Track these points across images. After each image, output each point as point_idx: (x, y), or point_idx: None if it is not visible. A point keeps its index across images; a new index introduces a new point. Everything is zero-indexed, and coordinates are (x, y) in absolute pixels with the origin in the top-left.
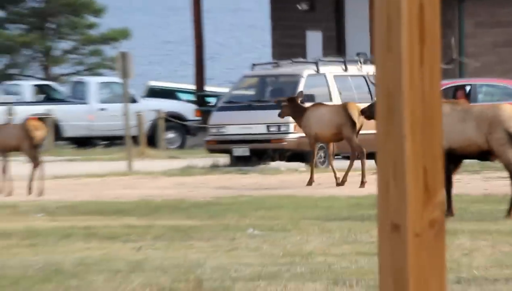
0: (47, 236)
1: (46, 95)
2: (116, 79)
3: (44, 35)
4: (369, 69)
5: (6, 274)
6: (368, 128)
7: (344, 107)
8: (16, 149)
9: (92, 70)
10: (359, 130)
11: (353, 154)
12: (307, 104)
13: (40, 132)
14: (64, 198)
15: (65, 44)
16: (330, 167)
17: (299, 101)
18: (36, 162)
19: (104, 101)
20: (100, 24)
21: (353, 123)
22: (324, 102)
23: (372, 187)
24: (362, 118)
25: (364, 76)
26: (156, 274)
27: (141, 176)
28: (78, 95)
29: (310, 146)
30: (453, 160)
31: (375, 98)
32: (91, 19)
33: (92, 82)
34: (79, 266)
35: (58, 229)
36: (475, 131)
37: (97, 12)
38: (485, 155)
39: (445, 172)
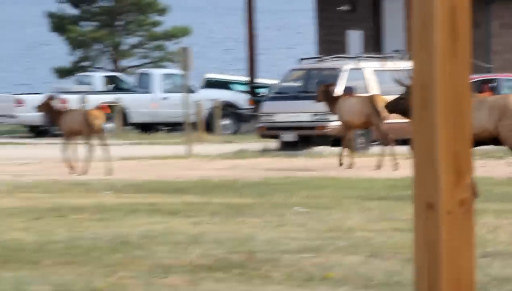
0: (115, 211)
1: (115, 85)
2: (177, 71)
3: (113, 32)
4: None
5: (79, 245)
6: (395, 117)
7: (370, 99)
8: (79, 134)
9: (156, 63)
10: (385, 119)
11: (383, 141)
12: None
13: (98, 120)
14: (130, 177)
15: (132, 40)
16: (345, 152)
17: (332, 91)
18: (91, 146)
19: (166, 91)
20: (164, 22)
21: (378, 113)
22: (354, 94)
23: (406, 170)
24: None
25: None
26: (212, 246)
27: (199, 158)
28: (143, 86)
29: (341, 132)
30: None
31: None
32: (156, 17)
33: (156, 74)
34: (144, 238)
35: (125, 205)
36: (487, 119)
37: (161, 11)
38: (495, 141)
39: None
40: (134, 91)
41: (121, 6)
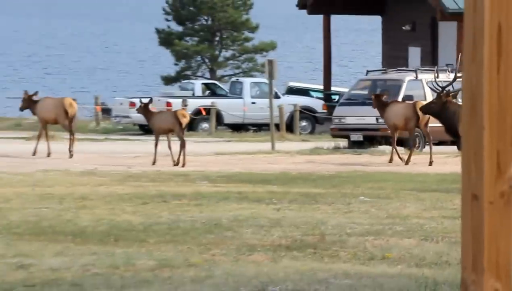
0: (209, 198)
1: (212, 91)
2: (264, 80)
3: (211, 46)
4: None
5: (179, 226)
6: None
7: (413, 105)
8: (170, 131)
9: (246, 73)
10: (426, 123)
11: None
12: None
13: (186, 119)
14: (222, 169)
15: (227, 53)
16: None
17: (383, 98)
18: (182, 141)
19: (254, 96)
20: (254, 38)
21: (418, 118)
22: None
23: (454, 166)
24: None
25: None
26: (290, 229)
27: (281, 154)
28: (235, 92)
29: (391, 133)
30: None
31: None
32: (247, 34)
33: (246, 82)
34: (233, 222)
35: (217, 193)
36: None
37: (252, 29)
38: None
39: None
40: (228, 96)
41: (219, 24)
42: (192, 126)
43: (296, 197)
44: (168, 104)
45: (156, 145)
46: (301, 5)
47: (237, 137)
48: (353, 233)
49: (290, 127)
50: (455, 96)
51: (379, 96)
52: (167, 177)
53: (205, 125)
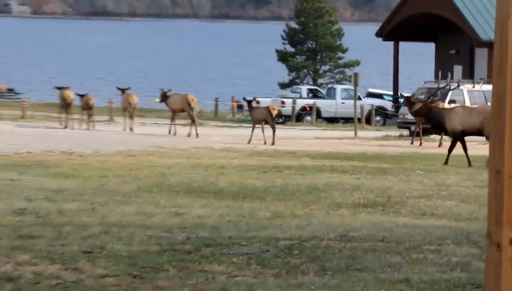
0: (310, 169)
1: (314, 94)
2: (351, 87)
3: (314, 62)
4: (486, 88)
5: (288, 189)
6: None
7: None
8: (265, 121)
9: (338, 81)
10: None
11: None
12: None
13: (275, 111)
14: (319, 149)
15: (325, 67)
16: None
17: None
18: (274, 129)
19: (344, 98)
20: (344, 57)
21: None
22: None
23: (481, 151)
24: None
25: (483, 91)
26: (366, 192)
27: (361, 139)
28: (330, 95)
29: (417, 126)
30: (464, 135)
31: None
32: (340, 54)
33: (338, 88)
34: (326, 186)
35: (316, 166)
36: (475, 120)
37: (343, 50)
38: (480, 134)
39: (460, 141)
40: (325, 98)
41: (320, 47)
42: (299, 118)
43: (371, 169)
44: (283, 102)
45: (253, 130)
46: (378, 35)
47: (330, 127)
48: (411, 196)
49: (368, 121)
50: (436, 102)
51: (409, 98)
52: (281, 154)
53: (308, 118)
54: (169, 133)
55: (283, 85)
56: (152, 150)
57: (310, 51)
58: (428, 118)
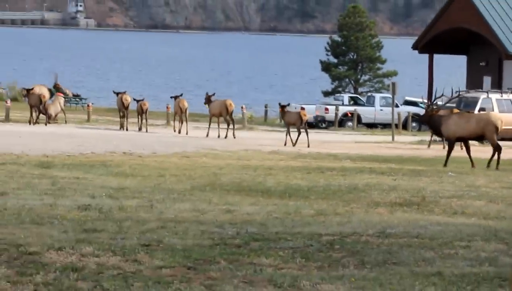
0: (350, 171)
1: (355, 101)
2: (389, 95)
3: (355, 72)
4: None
5: (330, 188)
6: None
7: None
8: (294, 124)
9: (377, 90)
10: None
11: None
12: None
13: (305, 117)
14: (359, 152)
15: (365, 77)
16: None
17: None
18: (305, 132)
19: (382, 106)
20: (383, 67)
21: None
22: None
23: (510, 155)
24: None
25: (510, 100)
26: (403, 192)
27: (398, 143)
28: (370, 102)
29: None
30: (460, 141)
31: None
32: (379, 65)
33: (377, 96)
34: (365, 186)
35: (356, 167)
36: (475, 126)
37: (382, 62)
38: (480, 138)
39: (464, 145)
40: (365, 105)
41: (360, 58)
42: (341, 124)
43: (407, 171)
44: (326, 109)
45: (287, 133)
46: (414, 47)
47: (370, 132)
48: (443, 196)
49: (404, 126)
50: (437, 110)
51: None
52: (324, 156)
53: (349, 123)
54: (218, 137)
55: (326, 94)
56: (205, 152)
57: (352, 62)
58: (429, 125)
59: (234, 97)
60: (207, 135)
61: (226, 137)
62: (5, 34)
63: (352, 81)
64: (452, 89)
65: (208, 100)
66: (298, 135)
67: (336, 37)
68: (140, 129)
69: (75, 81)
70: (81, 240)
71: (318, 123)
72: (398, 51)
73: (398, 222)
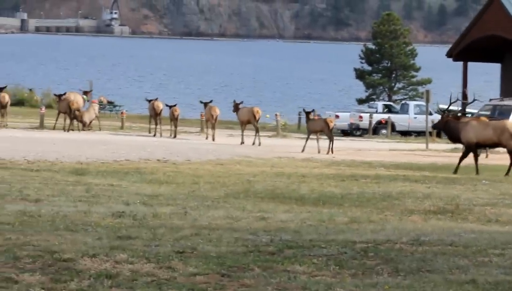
0: (384, 178)
1: (389, 109)
2: (423, 103)
3: (389, 80)
4: None
5: (364, 196)
6: None
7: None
8: (321, 131)
9: (411, 98)
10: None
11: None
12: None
13: (331, 124)
14: (393, 160)
15: (399, 85)
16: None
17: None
18: (331, 139)
19: (416, 113)
20: (417, 75)
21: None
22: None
23: None
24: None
25: None
26: (437, 200)
27: (431, 151)
28: (404, 110)
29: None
30: (478, 147)
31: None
32: (413, 73)
33: (411, 104)
34: (399, 194)
35: (389, 175)
36: (492, 133)
37: (416, 69)
38: (496, 145)
39: (472, 152)
40: (399, 113)
41: (395, 66)
42: (375, 131)
43: (441, 179)
44: (360, 117)
45: (307, 140)
46: (448, 55)
47: (404, 139)
48: (477, 204)
49: (439, 134)
50: (453, 117)
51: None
52: (358, 164)
53: (384, 131)
54: (253, 144)
55: (360, 101)
56: (239, 159)
57: (386, 70)
58: (445, 131)
59: (268, 105)
60: (242, 142)
61: (253, 144)
62: (40, 41)
63: (386, 89)
64: (473, 95)
65: (236, 108)
66: (330, 142)
67: (370, 45)
68: (172, 135)
69: (110, 88)
70: (115, 247)
71: (353, 131)
72: (432, 59)
73: (432, 230)
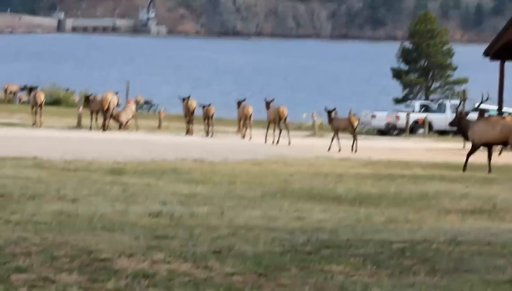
0: (421, 178)
1: (426, 108)
2: (459, 102)
3: (426, 79)
4: None
5: (401, 195)
6: None
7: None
8: (345, 130)
9: (448, 97)
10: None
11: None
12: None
13: (356, 122)
14: (430, 159)
15: (436, 84)
16: None
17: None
18: (355, 138)
19: (454, 113)
20: (453, 74)
21: None
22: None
23: None
24: None
25: None
26: (473, 200)
27: (464, 150)
28: (441, 109)
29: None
30: (486, 145)
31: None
32: (449, 72)
33: (448, 103)
34: (436, 194)
35: (426, 174)
36: (499, 132)
37: (452, 69)
38: (504, 144)
39: (487, 150)
40: (436, 112)
41: (431, 65)
42: (413, 131)
43: (478, 179)
44: (397, 116)
45: (332, 139)
46: (485, 54)
47: (441, 139)
48: None
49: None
50: (467, 114)
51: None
52: (395, 164)
53: (421, 130)
54: (273, 143)
55: (397, 101)
56: (275, 159)
57: (423, 69)
58: (458, 128)
59: (304, 104)
60: (277, 142)
61: (277, 143)
62: (77, 41)
63: (423, 88)
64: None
65: (267, 106)
66: (354, 141)
67: (407, 44)
68: (208, 134)
69: (147, 88)
70: (152, 247)
71: (390, 130)
72: (469, 58)
73: (469, 230)
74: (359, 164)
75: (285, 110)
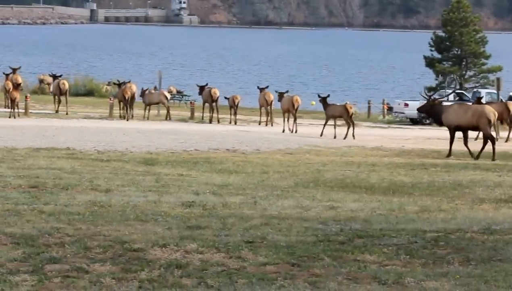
0: (454, 167)
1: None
2: (494, 90)
3: (460, 68)
4: None
5: (434, 185)
6: None
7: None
8: (340, 117)
9: (482, 86)
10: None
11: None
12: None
13: (352, 110)
14: (464, 148)
15: (470, 73)
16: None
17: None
18: (351, 125)
19: (487, 101)
20: (487, 63)
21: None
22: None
23: None
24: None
25: None
26: (507, 188)
27: (503, 139)
28: (475, 98)
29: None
30: (460, 130)
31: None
32: (483, 60)
33: (482, 92)
34: (470, 183)
35: (460, 164)
36: (471, 117)
37: (486, 57)
38: (475, 129)
39: (463, 135)
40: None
41: (465, 54)
42: None
43: (507, 167)
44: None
45: (324, 126)
46: None
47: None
48: None
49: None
50: (440, 100)
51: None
52: (427, 153)
53: None
54: (284, 131)
55: (430, 89)
56: (308, 148)
57: (456, 58)
58: (430, 114)
59: (337, 93)
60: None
61: (292, 131)
62: (109, 31)
63: (457, 77)
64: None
65: (280, 97)
66: (348, 129)
67: (440, 33)
68: (232, 123)
69: (179, 78)
70: (185, 237)
71: (422, 119)
72: (503, 46)
73: (503, 219)
74: (392, 153)
75: (298, 100)
